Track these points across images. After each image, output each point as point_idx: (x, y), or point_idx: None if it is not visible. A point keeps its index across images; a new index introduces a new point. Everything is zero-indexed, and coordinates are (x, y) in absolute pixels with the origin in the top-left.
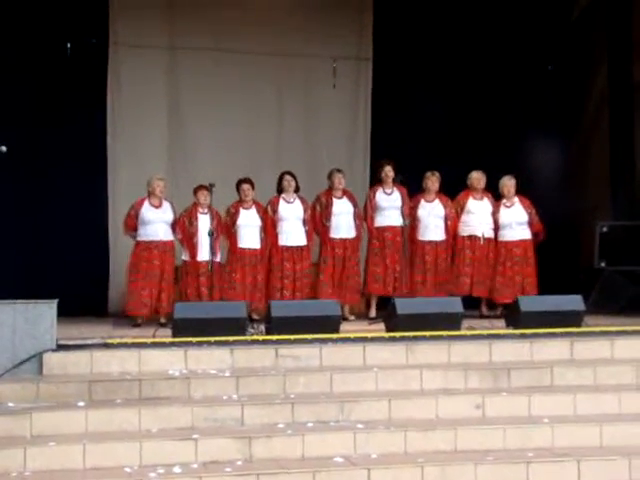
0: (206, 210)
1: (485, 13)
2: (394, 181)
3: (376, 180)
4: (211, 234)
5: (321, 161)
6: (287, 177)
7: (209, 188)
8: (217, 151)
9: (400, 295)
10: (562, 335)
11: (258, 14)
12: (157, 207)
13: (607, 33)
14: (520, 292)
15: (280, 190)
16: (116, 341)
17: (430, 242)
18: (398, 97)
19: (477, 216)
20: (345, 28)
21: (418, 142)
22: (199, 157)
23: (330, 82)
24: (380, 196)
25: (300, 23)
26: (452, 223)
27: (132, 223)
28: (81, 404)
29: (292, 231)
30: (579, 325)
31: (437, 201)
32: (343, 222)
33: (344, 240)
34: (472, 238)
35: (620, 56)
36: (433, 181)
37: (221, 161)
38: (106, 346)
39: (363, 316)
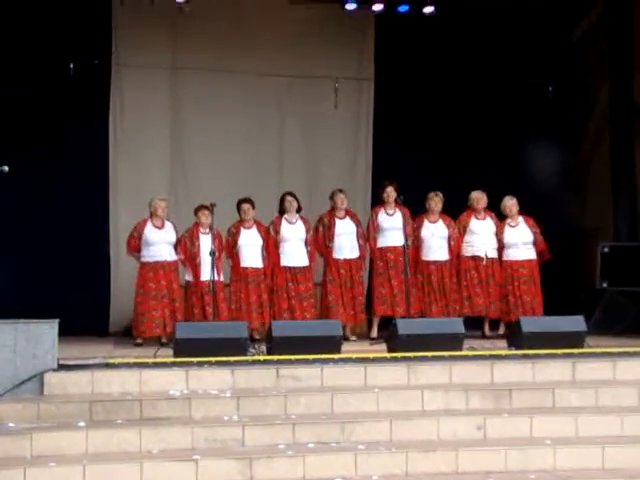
0: (207, 230)
1: (487, 34)
2: (396, 201)
3: (379, 201)
4: (212, 254)
5: (322, 180)
6: (288, 198)
7: (210, 208)
8: (218, 170)
9: (408, 316)
10: (564, 356)
11: (259, 35)
12: (160, 228)
13: (608, 55)
14: (530, 312)
15: (282, 211)
16: (117, 361)
17: (435, 262)
18: (400, 117)
19: (480, 236)
20: (347, 48)
21: (420, 162)
22: (200, 176)
23: (331, 102)
24: (382, 217)
25: (301, 43)
26: (455, 243)
27: (135, 244)
28: (82, 424)
29: (294, 251)
30: (581, 346)
31: (440, 222)
32: (346, 243)
33: (348, 261)
34: (476, 258)
35: (621, 77)
36: (436, 202)
37: (223, 180)
38: (107, 366)
39: (365, 336)
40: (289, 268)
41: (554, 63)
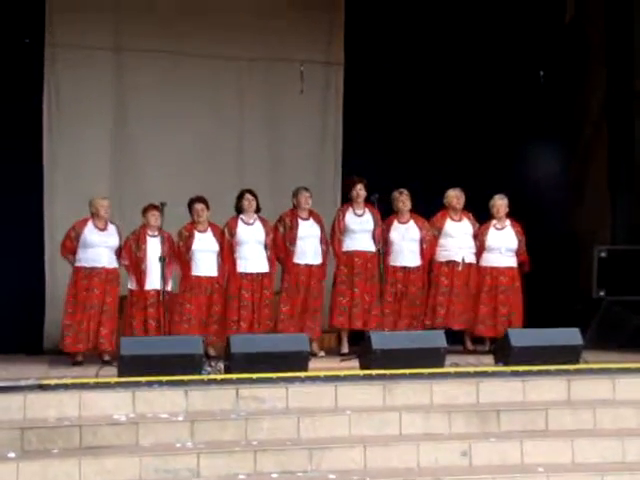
0: (156, 233)
1: (469, 13)
2: (366, 201)
3: (346, 199)
4: (162, 260)
5: (286, 176)
6: (248, 196)
7: (160, 208)
8: (169, 166)
9: (370, 329)
10: (558, 373)
11: (216, 14)
12: (102, 230)
13: (606, 36)
14: (506, 325)
15: (239, 210)
16: (53, 382)
17: (403, 268)
18: (373, 105)
19: (456, 240)
20: (313, 29)
21: (395, 156)
22: (148, 173)
23: (296, 89)
24: (350, 218)
25: (263, 24)
26: (428, 247)
27: (71, 245)
28: (12, 455)
29: (252, 256)
30: (577, 362)
31: (412, 222)
32: (309, 246)
33: (309, 267)
34: (450, 264)
35: (620, 62)
36: (403, 200)
37: (173, 178)
38: (41, 388)
39: (334, 352)
40: (246, 275)
41: (545, 46)
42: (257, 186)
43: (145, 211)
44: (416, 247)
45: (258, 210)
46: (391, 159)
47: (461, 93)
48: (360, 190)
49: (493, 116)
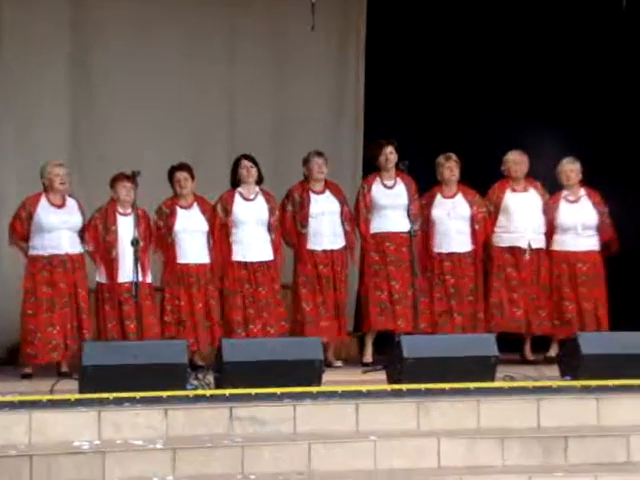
0: (129, 210)
1: None
2: (397, 168)
3: (373, 168)
4: (136, 243)
5: (294, 139)
6: (245, 163)
7: (132, 178)
8: (142, 126)
9: (413, 332)
10: None
11: None
12: (59, 207)
13: None
14: (593, 326)
15: (236, 182)
16: None
17: (451, 255)
18: (407, 41)
19: (520, 217)
20: None
21: (431, 112)
22: (116, 136)
23: (306, 22)
24: (378, 190)
25: None
26: (482, 227)
27: (22, 230)
28: None
29: (252, 240)
30: None
31: (460, 196)
32: (326, 227)
33: (329, 253)
34: (514, 250)
35: None
36: (451, 168)
37: (148, 139)
38: None
39: (355, 361)
40: (245, 264)
41: None
42: (256, 151)
43: (114, 182)
44: (466, 227)
45: (260, 181)
46: (425, 116)
47: (519, 28)
48: (390, 154)
49: (558, 55)
